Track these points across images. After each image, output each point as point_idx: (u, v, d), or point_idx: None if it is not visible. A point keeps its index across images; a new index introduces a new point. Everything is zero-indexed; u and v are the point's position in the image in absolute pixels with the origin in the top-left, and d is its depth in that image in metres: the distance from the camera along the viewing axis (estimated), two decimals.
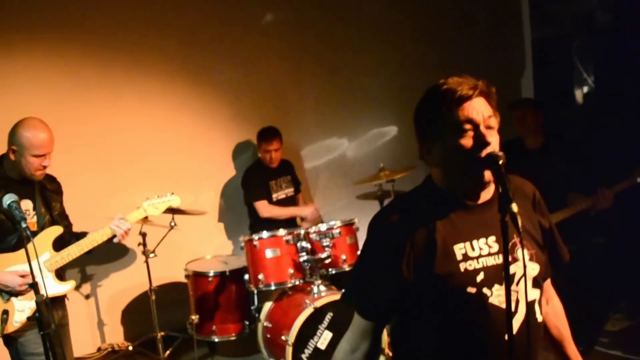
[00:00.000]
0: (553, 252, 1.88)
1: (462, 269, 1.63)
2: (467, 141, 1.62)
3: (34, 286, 2.48)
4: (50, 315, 2.54)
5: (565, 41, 6.04)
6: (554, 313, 1.98)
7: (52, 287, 3.15)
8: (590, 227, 4.20)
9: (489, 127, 1.65)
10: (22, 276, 3.00)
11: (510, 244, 1.58)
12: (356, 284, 1.83)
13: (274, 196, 5.16)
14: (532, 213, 1.83)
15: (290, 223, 5.11)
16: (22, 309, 3.06)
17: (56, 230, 3.23)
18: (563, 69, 6.01)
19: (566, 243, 4.09)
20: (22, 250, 2.97)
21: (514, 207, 1.47)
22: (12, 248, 3.06)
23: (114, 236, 3.28)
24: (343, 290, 1.95)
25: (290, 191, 5.28)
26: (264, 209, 5.05)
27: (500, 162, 1.56)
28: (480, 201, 1.71)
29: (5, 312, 2.99)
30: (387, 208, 1.84)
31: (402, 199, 1.92)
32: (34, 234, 3.11)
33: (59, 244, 3.24)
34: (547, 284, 1.94)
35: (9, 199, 2.67)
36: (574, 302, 4.34)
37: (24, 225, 2.56)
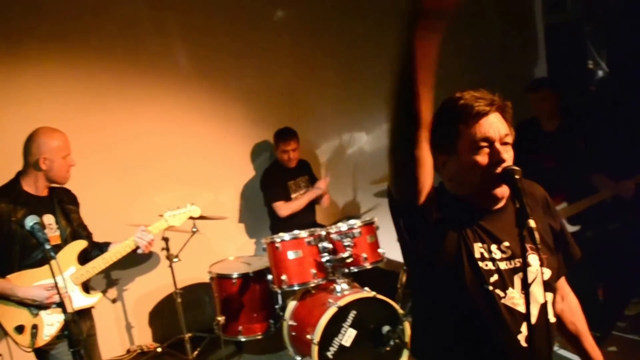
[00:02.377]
0: (565, 252, 1.92)
1: (480, 266, 1.69)
2: (483, 158, 1.67)
3: (61, 305, 2.55)
4: (78, 330, 2.66)
5: (577, 26, 6.03)
6: (569, 309, 2.01)
7: (79, 300, 3.25)
8: (607, 213, 4.23)
9: (504, 144, 1.68)
10: (49, 290, 3.06)
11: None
12: None
13: (293, 196, 5.21)
14: (542, 217, 1.85)
15: (310, 223, 5.14)
16: (51, 322, 3.13)
17: (81, 244, 3.31)
18: (576, 54, 6.01)
19: (584, 229, 4.14)
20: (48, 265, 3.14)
21: (532, 223, 1.50)
22: (39, 263, 3.13)
23: (138, 247, 3.38)
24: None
25: (308, 190, 5.31)
26: (283, 208, 5.09)
27: (517, 177, 1.60)
28: (494, 208, 1.76)
29: (35, 326, 3.08)
30: None
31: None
32: (58, 247, 3.19)
33: (83, 256, 3.32)
34: (562, 281, 1.98)
35: (31, 220, 2.72)
36: (591, 288, 4.41)
37: (47, 246, 2.60)
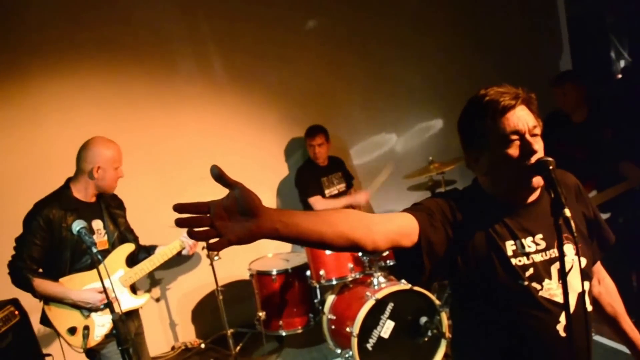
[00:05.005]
0: (600, 238, 1.93)
1: (513, 263, 1.69)
2: (514, 151, 1.68)
3: (109, 305, 2.67)
4: (126, 329, 2.75)
5: (600, 17, 6.00)
6: (606, 292, 2.03)
7: (127, 301, 3.36)
8: (637, 200, 4.24)
9: (533, 135, 1.70)
10: (101, 292, 3.14)
11: (555, 242, 1.67)
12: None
13: (327, 192, 5.30)
14: (575, 205, 1.86)
15: None
16: (102, 324, 3.24)
17: (129, 248, 3.42)
18: (599, 45, 5.98)
19: (614, 216, 4.15)
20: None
21: (567, 212, 1.50)
22: (89, 267, 3.22)
23: (183, 249, 3.49)
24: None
25: (342, 187, 5.40)
26: (319, 203, 5.18)
27: (551, 167, 1.61)
28: (527, 202, 1.78)
29: (87, 327, 3.19)
30: (445, 193, 1.90)
31: (455, 192, 1.91)
32: (106, 251, 3.31)
33: (131, 259, 3.44)
34: (598, 265, 2.00)
35: (78, 225, 2.82)
36: (625, 274, 4.41)
37: (94, 250, 2.71)
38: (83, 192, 3.29)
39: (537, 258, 1.72)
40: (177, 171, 5.26)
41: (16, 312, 3.58)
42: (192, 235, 1.23)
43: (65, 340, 3.18)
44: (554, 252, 1.73)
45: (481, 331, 1.80)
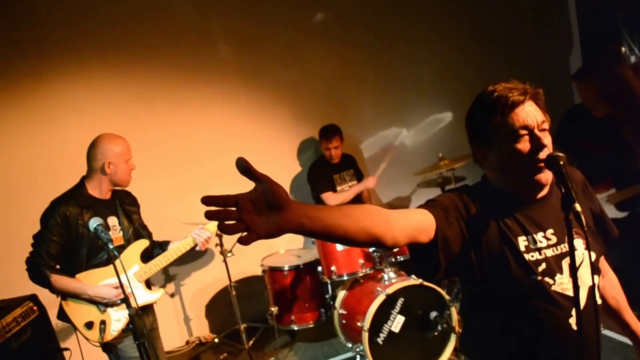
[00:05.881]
0: (604, 232, 1.96)
1: (526, 259, 1.71)
2: (524, 145, 1.70)
3: (125, 301, 2.71)
4: (142, 324, 2.78)
5: (611, 13, 5.97)
6: (610, 285, 2.07)
7: (143, 296, 3.41)
8: None
9: (542, 130, 1.72)
10: (117, 288, 3.20)
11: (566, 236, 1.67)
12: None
13: (338, 189, 5.33)
14: (584, 201, 1.89)
15: None
16: (118, 318, 3.28)
17: (143, 244, 3.47)
18: (610, 40, 5.95)
19: (634, 212, 4.09)
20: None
21: (577, 207, 1.52)
22: (104, 263, 3.27)
23: (195, 245, 3.55)
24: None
25: (353, 183, 5.42)
26: (331, 199, 5.22)
27: (562, 162, 1.62)
28: (537, 197, 1.79)
29: (103, 322, 3.23)
30: (457, 189, 1.88)
31: (467, 188, 1.91)
32: (121, 247, 3.36)
33: (145, 254, 3.49)
34: (602, 259, 2.02)
35: (94, 222, 2.86)
36: (632, 266, 4.40)
37: (111, 246, 2.75)
38: (98, 190, 3.33)
39: (549, 253, 1.74)
40: (190, 169, 5.33)
41: (35, 308, 3.65)
42: (222, 228, 1.24)
43: (82, 334, 3.22)
44: (564, 247, 1.75)
45: (493, 326, 1.81)
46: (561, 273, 1.72)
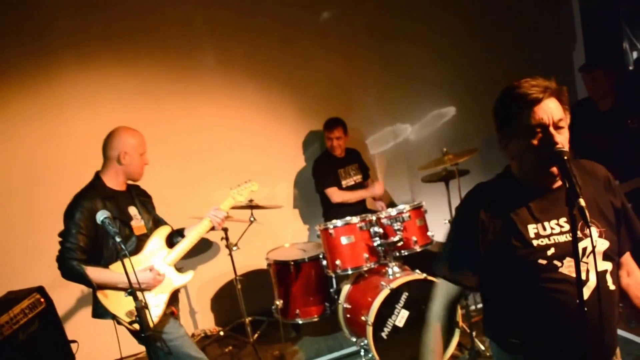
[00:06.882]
0: (628, 228, 2.01)
1: (534, 244, 1.85)
2: (537, 141, 1.82)
3: (132, 293, 2.66)
4: (149, 316, 2.72)
5: (613, 9, 5.96)
6: (635, 284, 2.09)
7: (177, 279, 3.41)
8: None
9: (558, 128, 1.82)
10: (152, 270, 3.24)
11: (580, 224, 1.78)
12: (446, 256, 2.09)
13: (344, 183, 5.36)
14: (603, 194, 1.98)
15: (360, 209, 5.27)
16: (156, 304, 3.26)
17: (166, 230, 3.51)
18: (613, 36, 5.94)
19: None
20: (144, 252, 3.32)
21: (582, 202, 1.61)
22: (135, 251, 3.29)
23: (212, 226, 3.56)
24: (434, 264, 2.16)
25: (358, 178, 5.46)
26: (335, 194, 5.26)
27: (565, 157, 1.73)
28: (553, 187, 1.90)
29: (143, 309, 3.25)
30: (469, 194, 2.06)
31: (482, 186, 2.07)
32: (145, 235, 3.39)
33: (168, 240, 3.50)
34: (628, 257, 2.07)
35: (102, 215, 2.84)
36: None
37: (117, 239, 2.72)
38: (114, 181, 3.36)
39: (561, 239, 1.86)
40: (196, 163, 5.37)
41: (42, 300, 3.70)
42: None
43: (124, 324, 3.16)
44: (579, 234, 1.84)
45: (506, 308, 1.97)
46: (571, 257, 1.82)
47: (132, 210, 3.40)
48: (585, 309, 1.74)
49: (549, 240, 1.85)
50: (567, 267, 1.82)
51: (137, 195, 3.51)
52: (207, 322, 5.53)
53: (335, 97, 5.88)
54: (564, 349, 1.87)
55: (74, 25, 4.91)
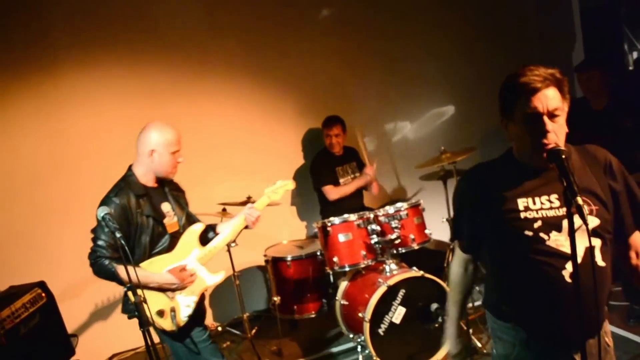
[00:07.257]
0: (635, 210, 2.06)
1: (522, 217, 1.95)
2: (531, 128, 1.89)
3: (131, 289, 2.61)
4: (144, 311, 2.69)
5: (613, 9, 5.99)
6: None
7: (209, 278, 3.34)
8: None
9: (553, 117, 1.88)
10: (183, 270, 3.17)
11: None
12: (453, 228, 2.32)
13: (341, 181, 5.37)
14: (602, 177, 2.02)
15: (358, 207, 5.29)
16: (187, 304, 3.21)
17: (200, 226, 3.40)
18: (612, 36, 5.98)
19: None
20: (177, 250, 3.25)
21: (579, 200, 1.64)
22: (167, 249, 3.23)
23: (247, 225, 3.52)
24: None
25: (356, 176, 5.45)
26: (332, 192, 5.27)
27: (563, 156, 1.79)
28: (549, 166, 1.92)
29: (173, 309, 3.15)
30: (468, 171, 2.21)
31: (481, 165, 2.18)
32: (178, 233, 3.32)
33: (201, 238, 3.41)
34: (636, 238, 2.11)
35: (102, 212, 2.80)
36: None
37: (118, 235, 2.67)
38: (145, 177, 3.27)
39: (550, 213, 1.94)
40: (196, 162, 5.31)
41: (43, 294, 3.73)
42: None
43: (155, 323, 3.10)
44: (565, 211, 1.87)
45: (498, 279, 2.14)
46: (558, 231, 1.92)
47: (165, 207, 3.33)
48: (569, 281, 1.87)
49: (537, 214, 1.94)
50: (553, 240, 1.91)
51: (171, 190, 3.42)
52: (205, 318, 5.52)
53: (335, 96, 5.89)
54: (551, 318, 1.96)
55: (77, 25, 4.92)
